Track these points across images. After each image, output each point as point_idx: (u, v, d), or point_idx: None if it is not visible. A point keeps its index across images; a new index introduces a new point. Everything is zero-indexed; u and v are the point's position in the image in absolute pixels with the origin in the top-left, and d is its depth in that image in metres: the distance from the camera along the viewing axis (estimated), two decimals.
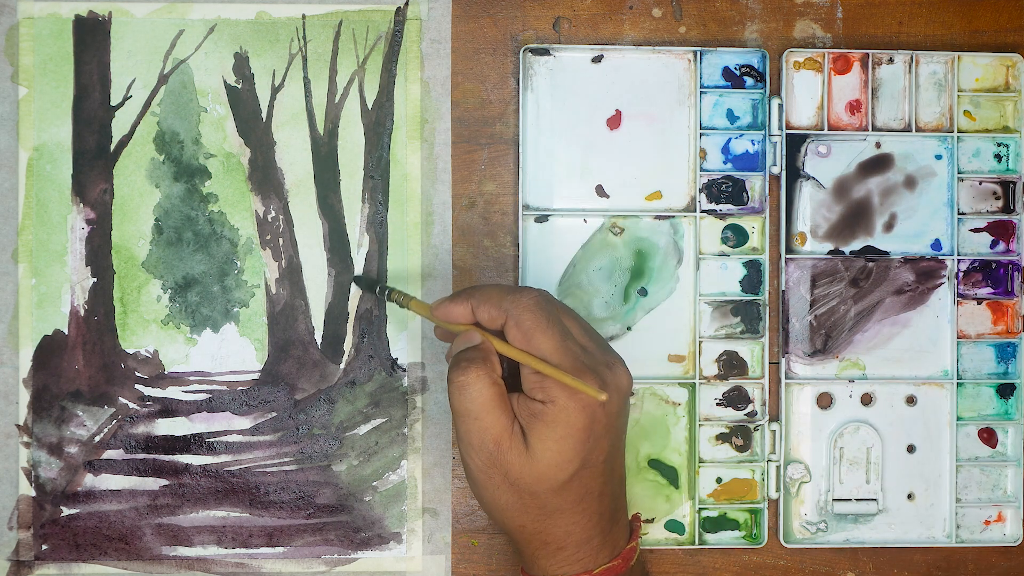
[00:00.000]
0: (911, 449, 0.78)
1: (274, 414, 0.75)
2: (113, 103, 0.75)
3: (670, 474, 0.77)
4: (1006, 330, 0.78)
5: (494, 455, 0.62)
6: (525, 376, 0.63)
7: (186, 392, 0.75)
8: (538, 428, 0.62)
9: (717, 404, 0.77)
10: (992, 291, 0.78)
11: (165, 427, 0.75)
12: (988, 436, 0.78)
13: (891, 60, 0.77)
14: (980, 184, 0.78)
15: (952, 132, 0.78)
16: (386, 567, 0.75)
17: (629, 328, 0.76)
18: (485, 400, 0.62)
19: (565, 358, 0.62)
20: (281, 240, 0.75)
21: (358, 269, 0.76)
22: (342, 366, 0.75)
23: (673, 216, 0.76)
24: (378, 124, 0.76)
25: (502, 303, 0.63)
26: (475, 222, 0.76)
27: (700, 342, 0.76)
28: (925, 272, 0.78)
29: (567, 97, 0.76)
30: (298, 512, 0.75)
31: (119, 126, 0.75)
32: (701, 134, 0.77)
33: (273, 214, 0.75)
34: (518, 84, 0.76)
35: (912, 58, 0.77)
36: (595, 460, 0.63)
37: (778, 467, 0.77)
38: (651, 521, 0.77)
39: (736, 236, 0.77)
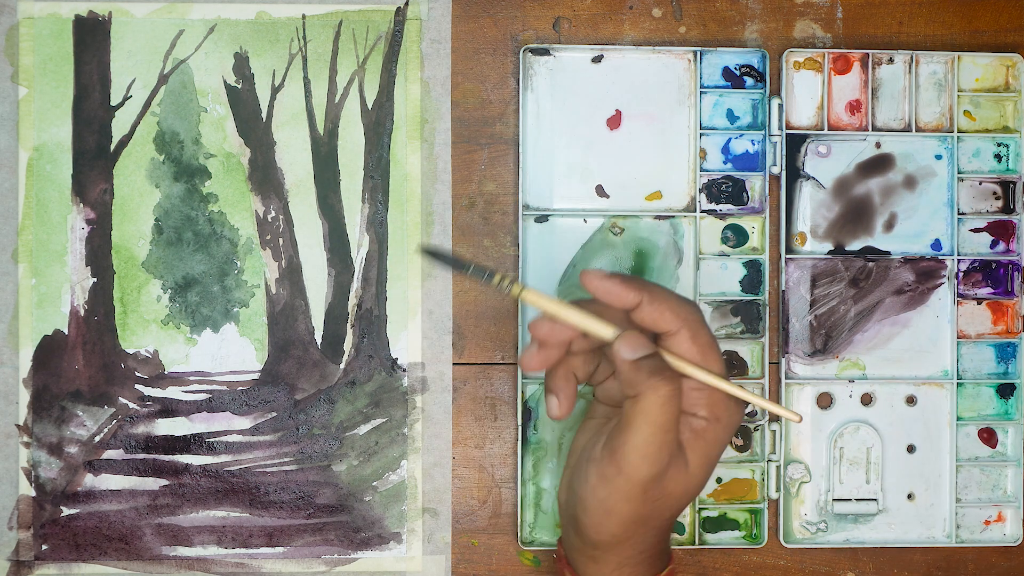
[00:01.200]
0: (911, 449, 0.78)
1: (274, 414, 0.75)
2: (113, 103, 0.75)
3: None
4: (1006, 330, 0.78)
5: (665, 470, 0.59)
6: (687, 392, 0.60)
7: (186, 392, 0.75)
8: (698, 446, 0.60)
9: None
10: (992, 291, 0.78)
11: (165, 427, 0.75)
12: (988, 436, 0.78)
13: (891, 60, 0.77)
14: (980, 184, 0.78)
15: (952, 132, 0.78)
16: (386, 567, 0.75)
17: None
18: (677, 415, 0.59)
19: (724, 368, 0.61)
20: (281, 240, 0.75)
21: (358, 269, 0.76)
22: (342, 366, 0.76)
23: (673, 216, 0.77)
24: (378, 124, 0.76)
25: (681, 310, 0.60)
26: (475, 222, 0.76)
27: None
28: (925, 272, 0.78)
29: (567, 97, 0.76)
30: (298, 512, 0.75)
31: (119, 126, 0.75)
32: (701, 134, 0.77)
33: (273, 214, 0.75)
34: (518, 84, 0.76)
35: (912, 58, 0.77)
36: None
37: (778, 467, 0.77)
38: None
39: (736, 236, 0.77)
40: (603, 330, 0.60)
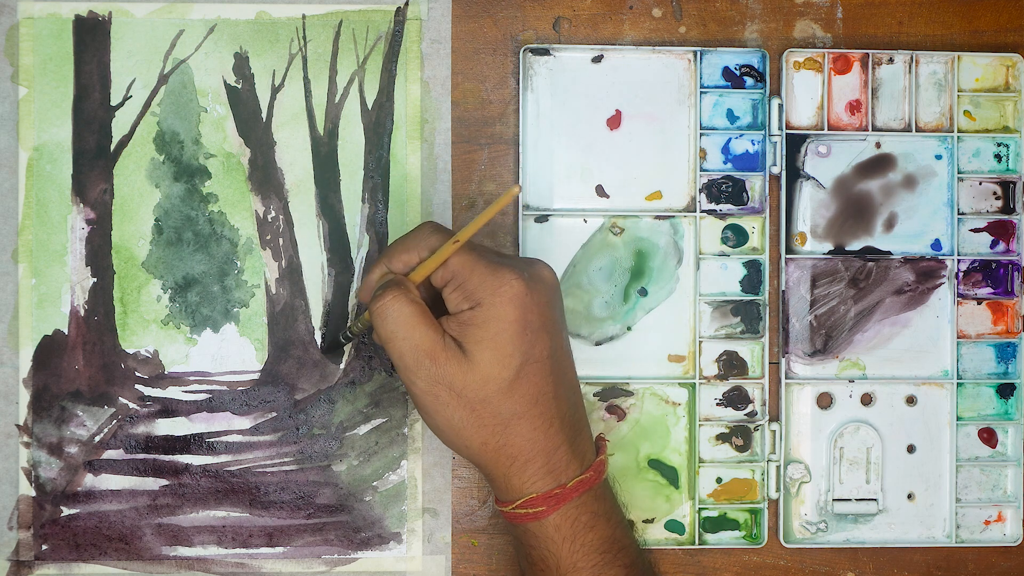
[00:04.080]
0: (911, 449, 0.78)
1: (274, 414, 0.75)
2: (113, 103, 0.75)
3: (670, 474, 0.77)
4: (1006, 330, 0.78)
5: (432, 370, 0.63)
6: (447, 297, 0.64)
7: (186, 392, 0.75)
8: (471, 333, 0.62)
9: (717, 404, 0.77)
10: (992, 291, 0.78)
11: (165, 427, 0.75)
12: (988, 436, 0.78)
13: (891, 60, 0.77)
14: (980, 184, 0.78)
15: (952, 132, 0.78)
16: (386, 567, 0.75)
17: (629, 328, 0.76)
18: (407, 316, 0.63)
19: (480, 258, 0.63)
20: (281, 240, 0.75)
21: (358, 269, 0.76)
22: (342, 366, 0.75)
23: (673, 216, 0.77)
24: (378, 124, 0.76)
25: (407, 243, 0.65)
26: None
27: (700, 342, 0.76)
28: (925, 272, 0.78)
29: (567, 97, 0.76)
30: (298, 512, 0.75)
31: (119, 126, 0.75)
32: (701, 134, 0.77)
33: (273, 214, 0.75)
34: (518, 84, 0.76)
35: (912, 58, 0.77)
36: (539, 355, 0.63)
37: (778, 467, 0.77)
38: (651, 521, 0.77)
39: (736, 236, 0.77)
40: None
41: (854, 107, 0.77)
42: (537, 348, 0.63)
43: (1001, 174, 0.78)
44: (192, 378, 0.75)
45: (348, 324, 0.73)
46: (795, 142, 0.77)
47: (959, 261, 0.78)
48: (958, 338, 0.78)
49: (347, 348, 0.75)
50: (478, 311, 0.62)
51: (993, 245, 0.78)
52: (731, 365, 0.77)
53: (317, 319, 0.75)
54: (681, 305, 0.77)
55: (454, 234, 0.64)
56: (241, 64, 0.75)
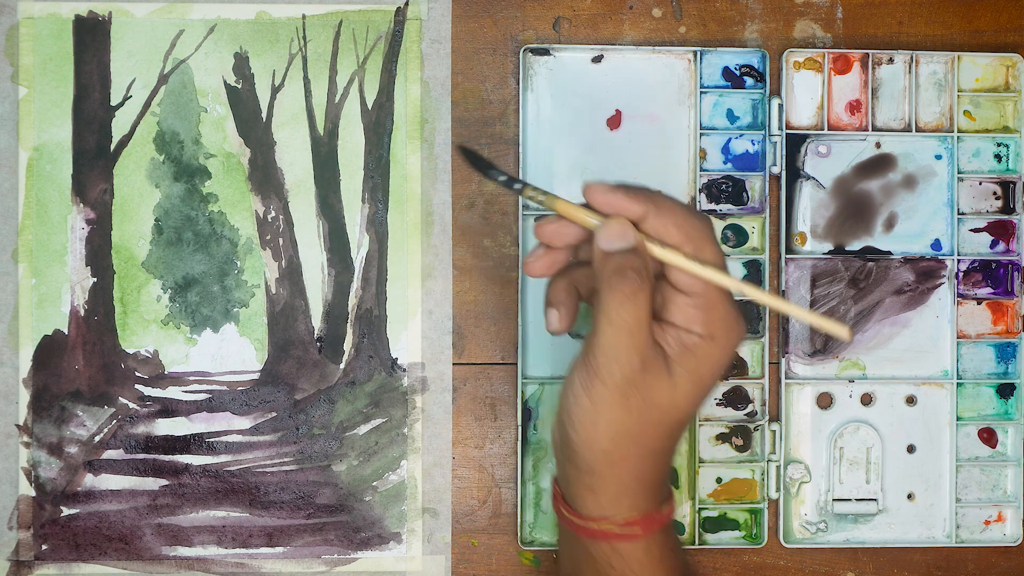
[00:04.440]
0: (911, 449, 0.78)
1: (274, 414, 0.75)
2: (113, 103, 0.75)
3: (670, 474, 0.77)
4: (1006, 330, 0.78)
5: (638, 374, 0.57)
6: (682, 306, 0.58)
7: (186, 392, 0.75)
8: (690, 361, 0.58)
9: (717, 404, 0.77)
10: (992, 291, 0.78)
11: (165, 427, 0.75)
12: (988, 436, 0.78)
13: (891, 60, 0.77)
14: (980, 184, 0.78)
15: (952, 132, 0.78)
16: (386, 567, 0.75)
17: None
18: (645, 315, 0.57)
19: (728, 290, 0.59)
20: (281, 240, 0.75)
21: (358, 269, 0.76)
22: (342, 366, 0.76)
23: None
24: (378, 124, 0.76)
25: (686, 224, 0.58)
26: (475, 222, 0.76)
27: None
28: (925, 272, 0.78)
29: (567, 97, 0.76)
30: (298, 512, 0.75)
31: (119, 126, 0.75)
32: (701, 134, 0.77)
33: (273, 214, 0.75)
34: (518, 84, 0.76)
35: (912, 58, 0.77)
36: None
37: (778, 467, 0.77)
38: None
39: (736, 236, 0.77)
40: (592, 221, 0.58)
41: (854, 107, 0.77)
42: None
43: (1001, 174, 0.78)
44: (192, 378, 0.75)
45: (533, 187, 0.60)
46: (795, 142, 0.77)
47: (959, 261, 0.78)
48: (958, 338, 0.78)
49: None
50: (707, 344, 0.58)
51: (993, 245, 0.78)
52: (731, 365, 0.77)
53: (317, 319, 0.75)
54: None
55: (721, 251, 0.59)
56: (241, 64, 0.75)
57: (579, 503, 0.62)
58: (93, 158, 0.75)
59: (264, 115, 0.75)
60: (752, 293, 0.59)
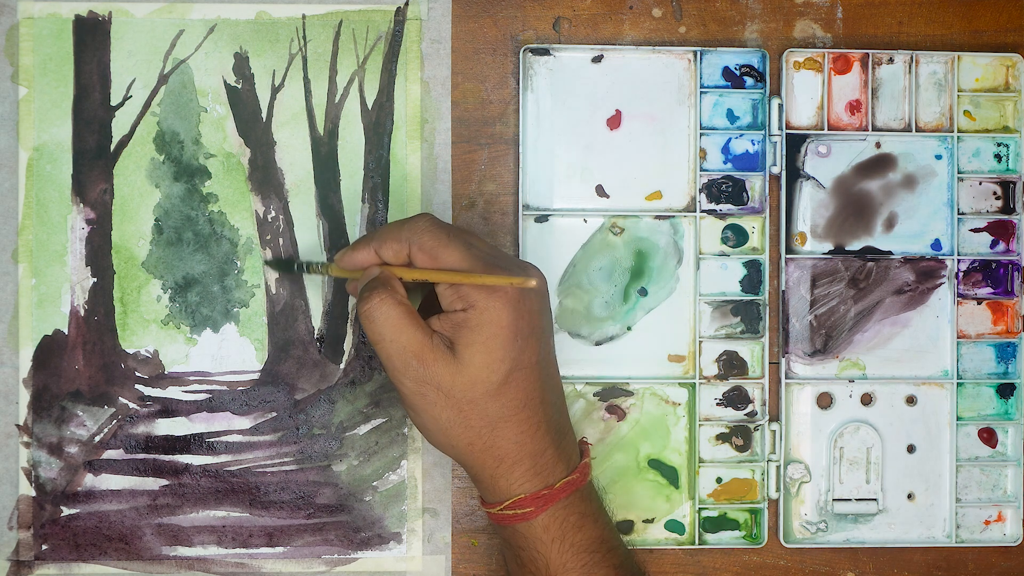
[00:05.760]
0: (911, 449, 0.78)
1: (274, 414, 0.75)
2: (113, 103, 0.75)
3: (670, 474, 0.77)
4: (1006, 330, 0.78)
5: (420, 371, 0.63)
6: (441, 294, 0.64)
7: (186, 392, 0.75)
8: (463, 335, 0.63)
9: (717, 404, 0.77)
10: (992, 291, 0.78)
11: (165, 427, 0.75)
12: (988, 436, 0.78)
13: (891, 60, 0.77)
14: (980, 184, 0.78)
15: (952, 132, 0.78)
16: (386, 567, 0.75)
17: (629, 328, 0.76)
18: (395, 319, 0.63)
19: (476, 263, 0.63)
20: (281, 240, 0.75)
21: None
22: (342, 366, 0.76)
23: (673, 216, 0.77)
24: (378, 124, 0.76)
25: (400, 234, 0.65)
26: (475, 222, 0.76)
27: (700, 342, 0.76)
28: (925, 272, 0.78)
29: (567, 97, 0.76)
30: (298, 512, 0.75)
31: (119, 126, 0.75)
32: (701, 134, 0.77)
33: (273, 214, 0.75)
34: (518, 84, 0.76)
35: (912, 58, 0.77)
36: (528, 361, 0.64)
37: (778, 467, 0.77)
38: (651, 521, 0.77)
39: (736, 236, 0.77)
40: (356, 274, 0.68)
41: (854, 107, 0.77)
42: (526, 354, 0.64)
43: (1001, 174, 0.78)
44: (192, 378, 0.75)
45: (313, 263, 0.71)
46: (795, 142, 0.77)
47: (959, 261, 0.78)
48: (958, 338, 0.78)
49: (327, 342, 0.75)
50: (472, 314, 0.63)
51: (993, 245, 0.78)
52: (731, 365, 0.77)
53: (317, 319, 0.75)
54: (681, 305, 0.77)
55: (450, 232, 0.64)
56: (241, 64, 0.75)
57: (492, 498, 0.66)
58: (93, 158, 0.75)
59: (264, 115, 0.75)
60: (452, 278, 0.63)
